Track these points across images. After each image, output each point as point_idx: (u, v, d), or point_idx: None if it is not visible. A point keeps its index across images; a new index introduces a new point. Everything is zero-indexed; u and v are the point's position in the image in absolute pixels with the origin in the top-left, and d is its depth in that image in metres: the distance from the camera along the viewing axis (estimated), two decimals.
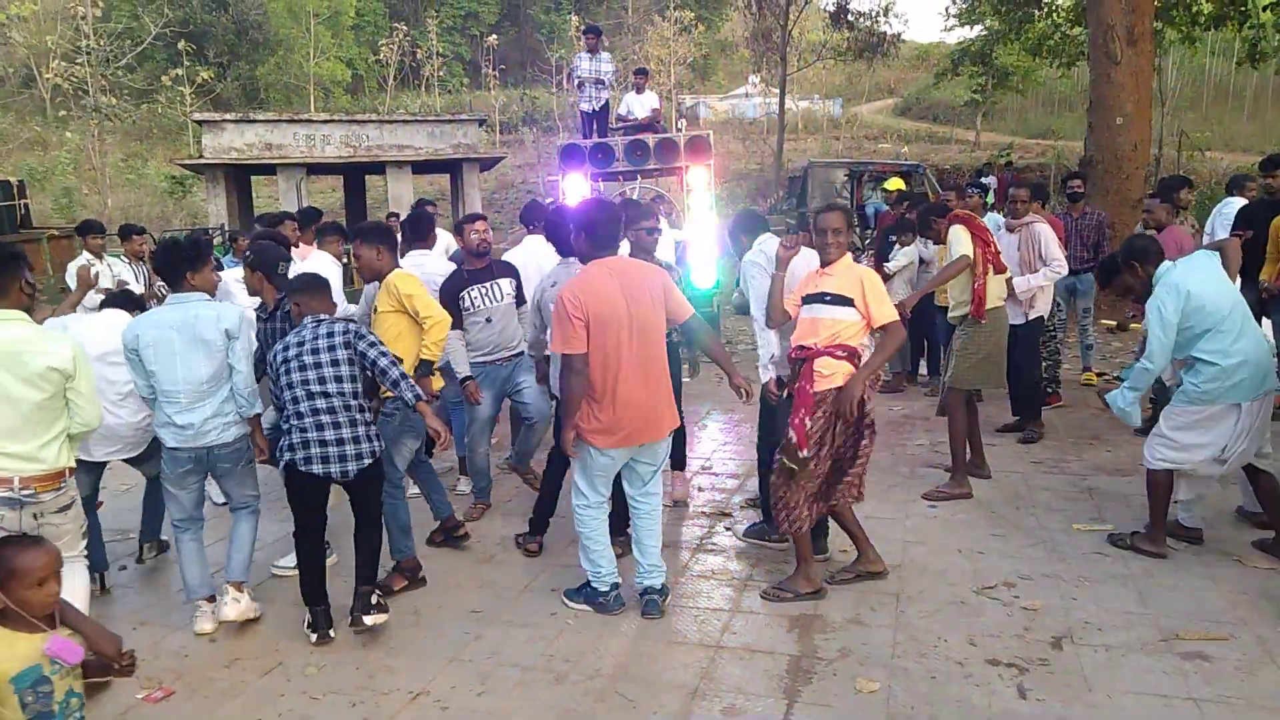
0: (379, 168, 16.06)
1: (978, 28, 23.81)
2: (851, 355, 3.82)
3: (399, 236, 5.38)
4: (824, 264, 3.92)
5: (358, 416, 3.73)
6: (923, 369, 8.12)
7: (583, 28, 12.64)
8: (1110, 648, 3.41)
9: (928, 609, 3.77)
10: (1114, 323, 9.53)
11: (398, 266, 4.43)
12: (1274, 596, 3.78)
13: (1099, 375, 7.83)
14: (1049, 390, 6.89)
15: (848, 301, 3.78)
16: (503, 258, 5.43)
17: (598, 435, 3.65)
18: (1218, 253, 4.31)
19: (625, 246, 4.29)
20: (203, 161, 15.54)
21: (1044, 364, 6.71)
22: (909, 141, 31.70)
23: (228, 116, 16.16)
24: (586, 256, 3.77)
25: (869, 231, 12.11)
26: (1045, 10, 19.69)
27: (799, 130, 33.34)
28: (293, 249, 5.52)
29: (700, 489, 5.52)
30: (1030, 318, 6.09)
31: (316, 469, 3.65)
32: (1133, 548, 4.23)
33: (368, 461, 3.73)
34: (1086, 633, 3.53)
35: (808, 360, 3.83)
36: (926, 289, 6.07)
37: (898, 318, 3.84)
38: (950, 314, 5.50)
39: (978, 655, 3.38)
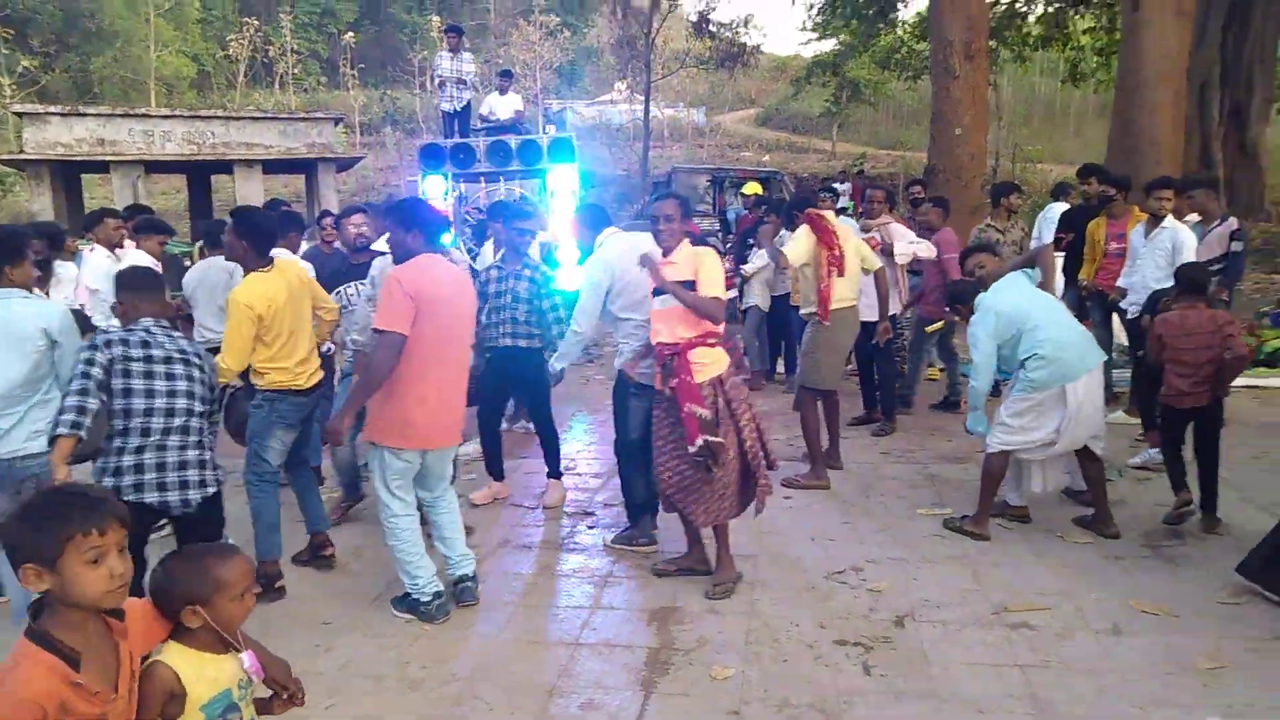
0: (226, 167, 15.27)
1: (832, 41, 24.91)
2: (722, 340, 3.88)
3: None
4: (664, 252, 3.92)
5: (205, 440, 3.46)
6: (780, 367, 8.37)
7: (444, 27, 12.40)
8: (947, 623, 3.61)
9: (781, 595, 3.88)
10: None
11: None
12: (1089, 568, 4.10)
13: (941, 370, 8.29)
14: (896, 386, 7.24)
15: (693, 285, 3.79)
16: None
17: (397, 435, 3.57)
18: (1030, 267, 4.66)
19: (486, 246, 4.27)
20: (23, 157, 14.33)
21: (893, 360, 7.05)
22: (770, 150, 32.78)
23: (53, 109, 14.95)
24: (414, 254, 3.68)
25: (729, 235, 12.39)
26: (892, 25, 20.77)
27: (665, 137, 33.87)
28: (119, 248, 5.18)
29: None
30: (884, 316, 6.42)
31: (150, 498, 3.28)
32: (961, 531, 4.49)
33: (211, 490, 3.44)
34: (926, 610, 3.72)
35: (680, 354, 3.79)
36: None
37: (723, 299, 3.84)
38: (801, 312, 5.72)
39: (827, 637, 3.51)
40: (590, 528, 4.85)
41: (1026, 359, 4.32)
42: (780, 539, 4.54)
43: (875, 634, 3.52)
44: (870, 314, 5.89)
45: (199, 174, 16.95)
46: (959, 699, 3.06)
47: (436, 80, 10.87)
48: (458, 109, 10.54)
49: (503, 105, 10.56)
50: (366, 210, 5.17)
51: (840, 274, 5.33)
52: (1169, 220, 6.00)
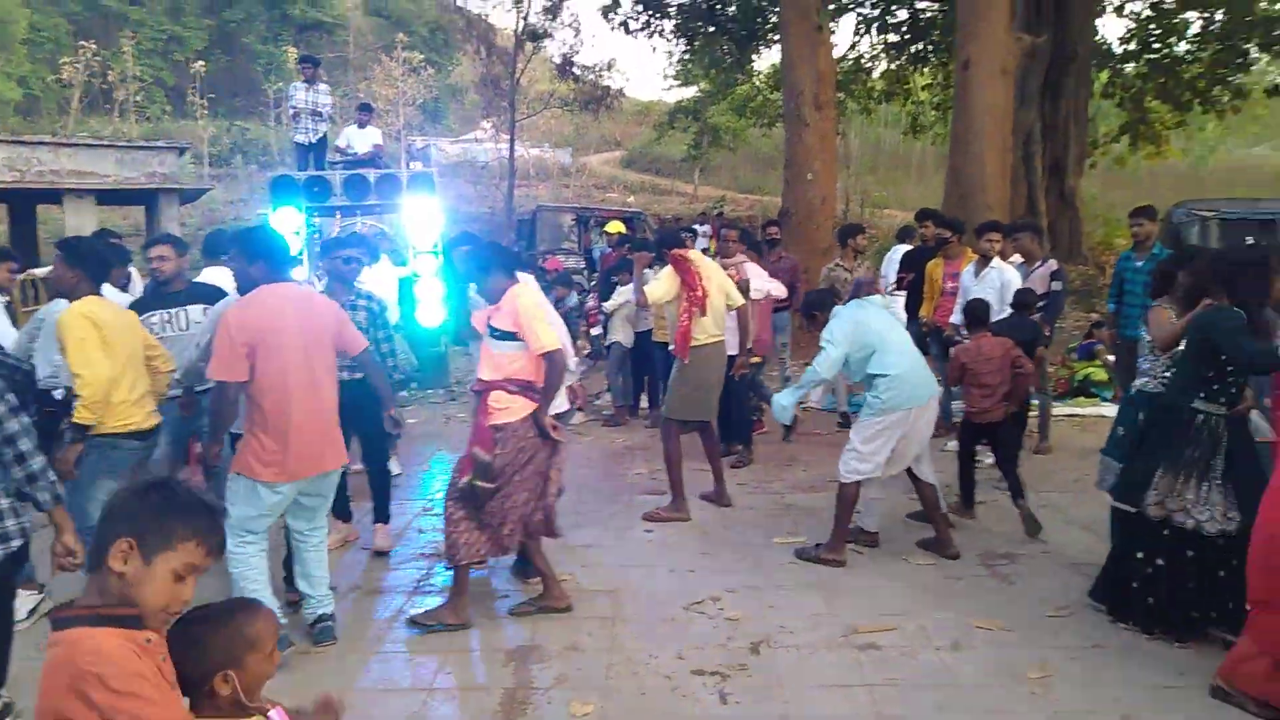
0: (55, 196, 14.20)
1: (693, 89, 25.72)
2: (525, 389, 3.85)
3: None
4: (491, 301, 3.96)
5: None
6: (644, 402, 8.45)
7: (300, 58, 12.06)
8: (800, 647, 3.70)
9: (641, 629, 3.88)
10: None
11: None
12: (932, 589, 4.31)
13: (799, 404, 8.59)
14: (754, 418, 7.44)
15: (510, 335, 3.80)
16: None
17: (268, 469, 3.43)
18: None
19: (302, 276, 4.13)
20: None
21: (748, 394, 7.25)
22: (634, 191, 33.42)
23: None
24: (259, 283, 3.56)
25: (594, 273, 12.51)
26: (748, 75, 21.67)
27: (530, 177, 33.98)
28: None
29: (421, 530, 5.34)
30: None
31: None
32: (817, 559, 4.62)
33: (16, 544, 2.91)
34: (781, 636, 3.80)
35: (484, 394, 3.85)
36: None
37: (556, 346, 3.80)
38: (670, 348, 5.80)
39: (685, 668, 3.52)
40: (448, 568, 4.71)
41: (878, 377, 4.54)
42: (642, 572, 4.55)
43: (732, 662, 3.57)
44: (731, 348, 6.04)
45: (23, 204, 15.69)
46: None
47: (291, 112, 10.54)
48: (313, 141, 10.24)
49: (361, 139, 10.34)
50: (170, 241, 4.87)
51: (702, 313, 5.43)
52: (996, 261, 6.48)
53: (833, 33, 15.98)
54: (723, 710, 3.22)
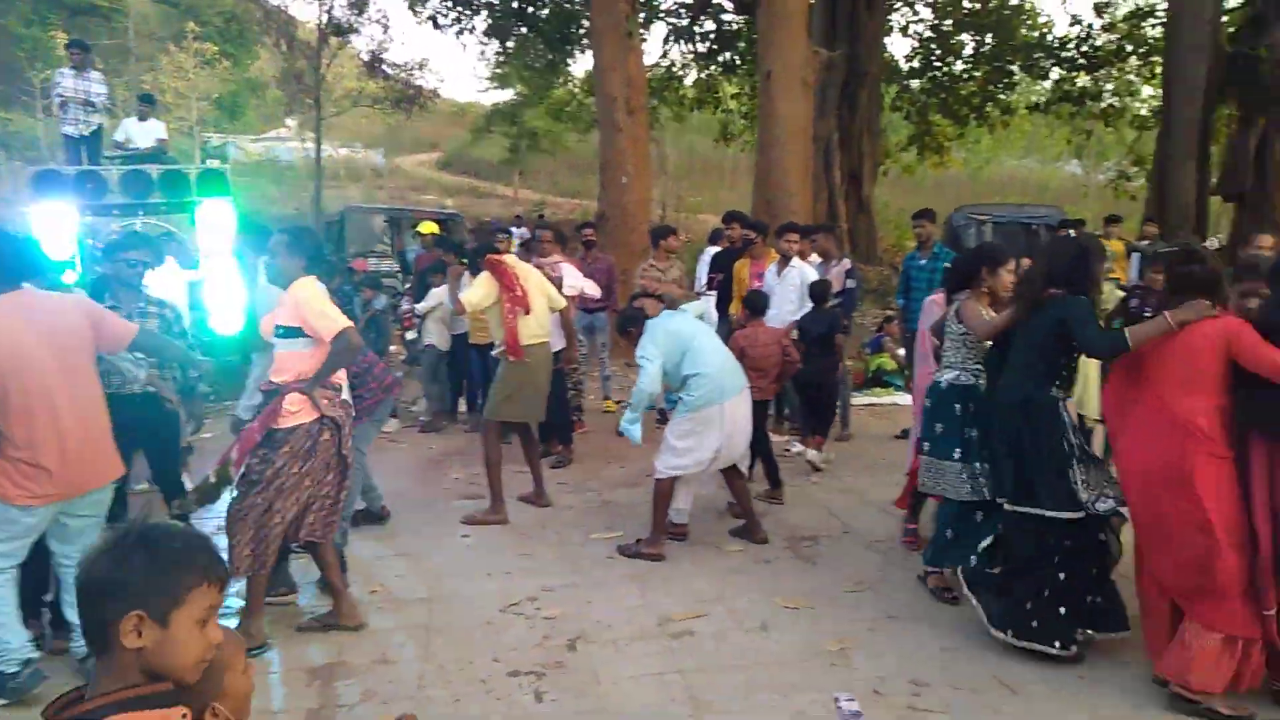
0: None
1: (509, 91, 25.57)
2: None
3: None
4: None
5: None
6: (462, 406, 8.28)
7: (68, 43, 10.92)
8: (616, 641, 3.73)
9: (456, 636, 3.79)
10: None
11: None
12: (742, 573, 4.48)
13: (617, 403, 8.69)
14: (574, 418, 7.46)
15: (295, 331, 3.62)
16: None
17: (22, 491, 3.09)
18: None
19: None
20: None
21: (568, 394, 7.26)
22: (452, 194, 32.75)
23: None
24: None
25: (409, 276, 12.12)
26: (564, 79, 21.76)
27: (341, 177, 32.58)
28: None
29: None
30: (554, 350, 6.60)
31: None
32: (637, 554, 4.69)
33: None
34: (598, 631, 3.82)
35: (279, 395, 3.61)
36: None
37: (344, 326, 3.60)
38: (494, 351, 5.69)
39: (500, 670, 3.47)
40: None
41: (689, 377, 4.67)
42: (457, 579, 4.44)
43: (548, 660, 3.54)
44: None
45: None
46: (626, 712, 3.16)
47: (58, 101, 9.52)
48: (85, 134, 9.30)
49: (142, 132, 9.51)
50: None
51: (526, 312, 5.37)
52: (796, 260, 6.83)
53: (643, 40, 16.34)
54: (539, 709, 3.19)
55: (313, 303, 3.61)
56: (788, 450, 6.87)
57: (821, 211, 16.78)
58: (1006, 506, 3.68)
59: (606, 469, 6.49)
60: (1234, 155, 15.41)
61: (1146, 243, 10.36)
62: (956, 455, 4.05)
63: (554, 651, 3.62)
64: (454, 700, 3.25)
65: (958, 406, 4.09)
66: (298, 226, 3.89)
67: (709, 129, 28.37)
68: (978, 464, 3.98)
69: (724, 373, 4.74)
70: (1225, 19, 14.80)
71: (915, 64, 22.19)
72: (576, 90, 22.25)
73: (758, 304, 5.88)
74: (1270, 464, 3.06)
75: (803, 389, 6.61)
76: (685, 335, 4.77)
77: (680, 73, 22.30)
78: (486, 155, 35.22)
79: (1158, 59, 17.29)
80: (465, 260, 6.65)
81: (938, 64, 21.77)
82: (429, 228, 9.31)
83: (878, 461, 6.56)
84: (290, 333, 3.61)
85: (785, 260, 6.88)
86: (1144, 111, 21.23)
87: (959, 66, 21.73)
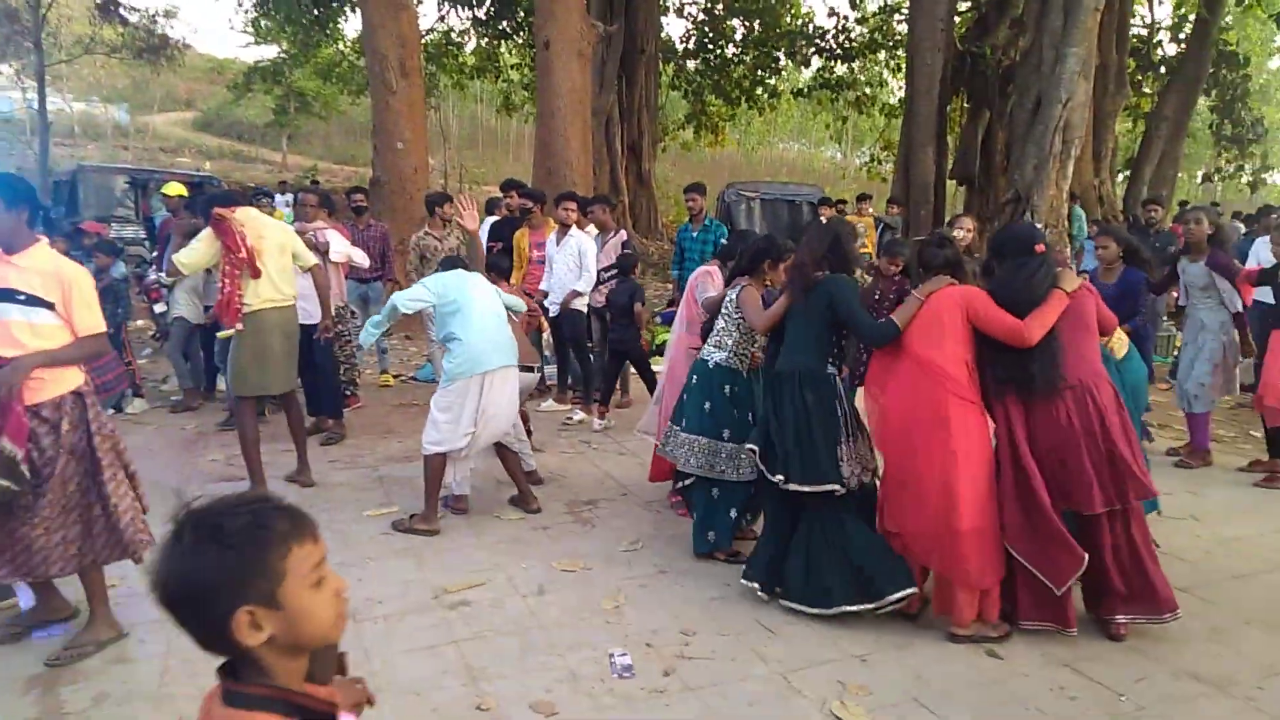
0: None
1: (273, 48, 23.74)
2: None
3: None
4: (7, 249, 3.15)
5: None
6: (221, 384, 7.66)
7: None
8: (389, 616, 3.60)
9: None
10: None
11: None
12: (521, 540, 4.46)
13: (395, 377, 8.39)
14: (348, 392, 7.11)
15: (40, 304, 3.13)
16: None
17: None
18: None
19: None
20: None
21: (342, 367, 6.90)
22: (211, 157, 30.20)
23: None
24: None
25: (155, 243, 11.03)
26: (332, 37, 20.53)
27: (76, 135, 29.09)
28: None
29: None
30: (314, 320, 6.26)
31: None
32: (411, 530, 4.54)
33: None
34: (369, 608, 3.67)
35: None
36: None
37: (102, 330, 3.26)
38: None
39: None
40: None
41: (451, 341, 4.59)
42: None
43: None
44: (312, 316, 5.70)
45: None
46: (397, 687, 3.06)
47: None
48: None
49: None
50: None
51: (253, 275, 4.95)
52: (574, 230, 6.86)
53: (419, 1, 15.72)
54: None
55: (85, 288, 3.18)
56: (569, 419, 6.93)
57: (603, 185, 17.02)
58: (778, 481, 3.68)
59: (381, 443, 6.25)
60: (964, 143, 17.19)
61: (890, 218, 11.37)
62: (726, 435, 4.18)
63: None
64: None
65: (727, 388, 4.23)
66: (5, 174, 3.33)
67: (493, 99, 27.93)
68: (748, 444, 3.95)
69: (485, 343, 4.60)
70: (957, 19, 16.39)
71: (690, 45, 22.92)
72: (347, 50, 21.04)
73: (501, 266, 5.78)
74: (1026, 419, 3.46)
75: (615, 356, 6.90)
76: (465, 291, 4.65)
77: (459, 39, 21.70)
78: (251, 117, 32.67)
79: (903, 53, 18.90)
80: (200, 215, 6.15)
81: (711, 46, 22.61)
82: (174, 189, 8.46)
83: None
84: (34, 302, 3.10)
85: (564, 229, 6.89)
86: (893, 101, 23.19)
87: (731, 50, 22.69)
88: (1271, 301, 5.62)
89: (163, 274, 7.00)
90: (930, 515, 3.42)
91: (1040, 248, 3.60)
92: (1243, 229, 11.06)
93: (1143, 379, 4.82)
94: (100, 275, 6.96)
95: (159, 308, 8.41)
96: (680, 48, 23.09)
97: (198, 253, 4.85)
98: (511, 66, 22.20)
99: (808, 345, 3.80)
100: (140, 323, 10.30)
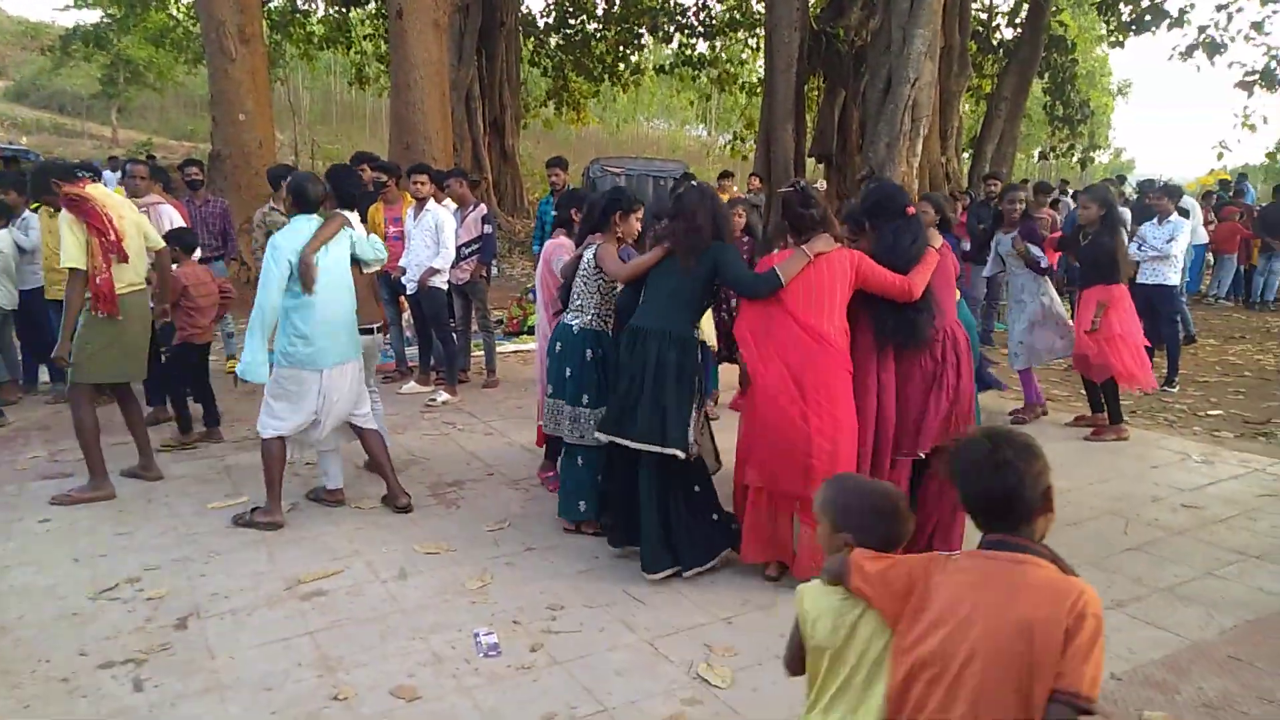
0: None
1: (96, 11, 21.86)
2: None
3: None
4: None
5: None
6: (44, 375, 7.03)
7: None
8: (236, 611, 3.39)
9: (28, 634, 3.20)
10: None
11: None
12: (381, 526, 4.29)
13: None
14: None
15: None
16: None
17: None
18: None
19: None
20: None
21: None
22: (29, 131, 27.70)
23: None
24: None
25: None
26: (162, 1, 19.13)
27: None
28: None
29: None
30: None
31: None
32: (252, 524, 4.25)
33: None
34: (214, 603, 3.45)
35: None
36: None
37: None
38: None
39: (89, 664, 2.99)
40: None
41: (292, 326, 4.18)
42: (33, 568, 3.76)
43: (152, 644, 3.12)
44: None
45: None
46: (246, 683, 2.88)
47: None
48: None
49: None
50: None
51: (121, 258, 4.54)
52: (431, 204, 6.64)
53: None
54: (138, 699, 2.79)
55: None
56: (433, 400, 6.73)
57: (466, 161, 16.61)
58: (625, 442, 3.66)
59: (229, 430, 5.88)
60: (822, 121, 17.71)
61: (751, 194, 11.59)
62: (586, 401, 4.09)
63: (158, 634, 3.20)
64: (23, 707, 2.74)
65: (589, 352, 4.12)
66: None
67: (346, 72, 26.73)
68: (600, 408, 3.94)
69: (326, 339, 4.23)
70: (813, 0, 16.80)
71: (551, 20, 22.61)
72: (180, 15, 19.62)
73: (187, 240, 5.64)
74: (897, 373, 3.66)
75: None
76: (321, 272, 4.22)
77: (306, 6, 20.63)
78: (75, 86, 30.06)
79: (762, 32, 19.25)
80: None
81: (572, 21, 22.36)
82: None
83: (524, 404, 6.66)
84: None
85: (421, 203, 6.65)
86: (753, 79, 23.63)
87: (592, 26, 22.51)
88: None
89: None
90: (797, 469, 3.48)
91: (911, 210, 3.79)
92: (1073, 204, 11.88)
93: (971, 328, 5.10)
94: None
95: None
96: (541, 23, 22.74)
97: (77, 245, 4.37)
98: (364, 37, 21.26)
99: (678, 306, 3.73)
100: None
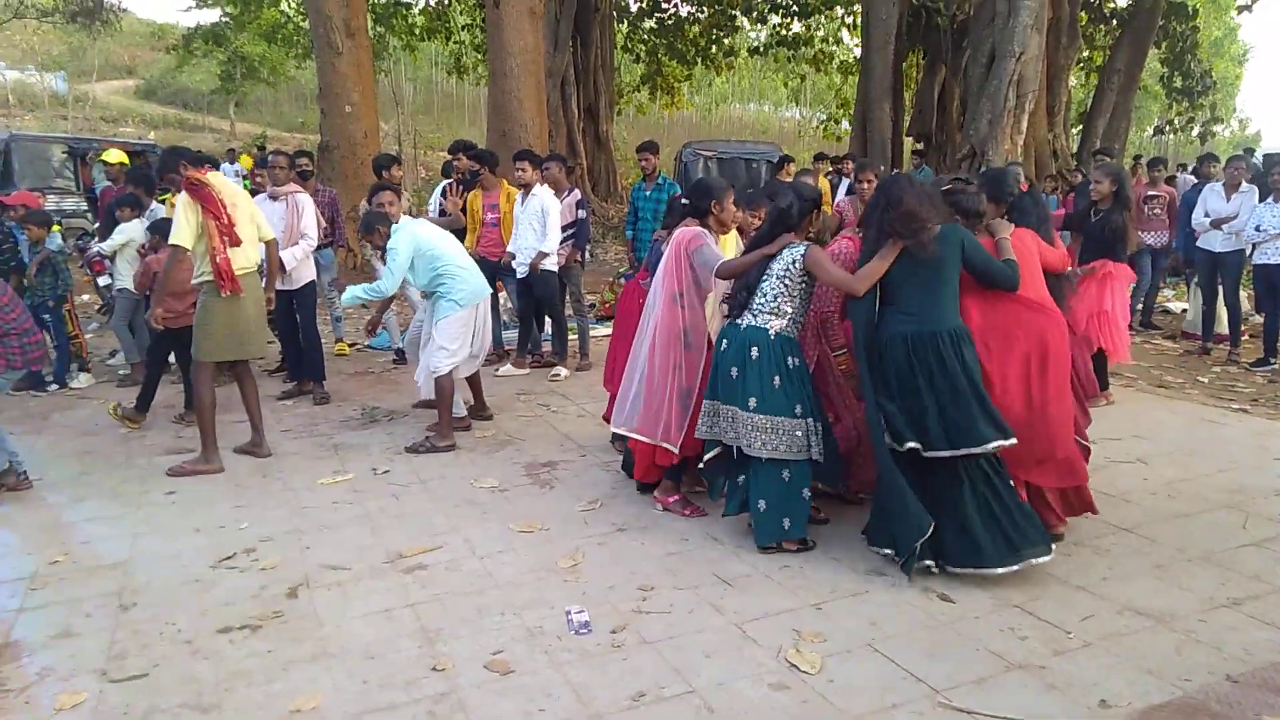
0: None
1: (215, 11, 22.97)
2: None
3: None
4: None
5: None
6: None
7: None
8: (343, 583, 3.56)
9: (156, 597, 3.44)
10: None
11: None
12: (478, 504, 4.43)
13: (350, 345, 8.25)
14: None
15: None
16: None
17: None
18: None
19: None
20: None
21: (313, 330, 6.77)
22: (156, 127, 29.32)
23: None
24: None
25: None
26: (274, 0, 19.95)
27: (11, 105, 28.09)
28: None
29: None
30: (301, 285, 6.34)
31: None
32: (432, 449, 5.21)
33: None
34: (322, 575, 3.63)
35: None
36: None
37: None
38: (191, 281, 5.12)
39: (209, 627, 3.20)
40: None
41: (443, 281, 5.25)
42: (160, 537, 4.03)
43: (265, 612, 3.31)
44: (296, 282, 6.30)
45: None
46: (350, 652, 3.03)
47: None
48: None
49: None
50: None
51: (234, 243, 4.87)
52: (537, 189, 6.77)
53: None
54: (252, 662, 2.98)
55: None
56: (556, 376, 6.98)
57: (560, 147, 16.79)
58: (966, 451, 3.48)
59: (335, 411, 6.15)
60: (921, 99, 17.20)
61: (849, 176, 11.33)
62: (798, 412, 3.75)
63: (272, 602, 3.39)
64: (153, 665, 2.95)
65: (790, 360, 3.78)
66: None
67: (446, 63, 27.36)
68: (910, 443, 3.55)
69: (476, 275, 5.42)
70: None
71: (645, 4, 22.58)
72: (290, 12, 20.42)
73: (166, 230, 5.60)
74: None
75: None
76: (436, 243, 5.31)
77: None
78: (196, 84, 31.70)
79: (859, 9, 18.79)
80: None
81: (665, 5, 22.29)
82: (115, 156, 8.21)
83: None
84: None
85: (527, 189, 6.81)
86: (849, 59, 23.09)
87: (685, 9, 22.39)
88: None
89: (104, 245, 6.78)
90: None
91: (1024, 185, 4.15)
92: (1193, 180, 11.20)
93: None
94: (35, 248, 6.75)
95: (103, 280, 8.18)
96: (635, 7, 22.74)
97: (190, 225, 4.77)
98: (462, 27, 21.69)
99: (943, 300, 3.53)
100: (85, 297, 10.02)
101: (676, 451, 4.09)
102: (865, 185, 6.04)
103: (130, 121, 29.51)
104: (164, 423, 5.89)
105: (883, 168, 14.81)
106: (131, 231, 6.76)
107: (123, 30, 26.18)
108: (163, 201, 6.97)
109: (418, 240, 5.25)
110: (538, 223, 6.80)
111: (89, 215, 12.10)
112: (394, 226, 5.28)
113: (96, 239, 8.09)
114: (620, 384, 4.42)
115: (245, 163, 14.72)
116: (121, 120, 29.55)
